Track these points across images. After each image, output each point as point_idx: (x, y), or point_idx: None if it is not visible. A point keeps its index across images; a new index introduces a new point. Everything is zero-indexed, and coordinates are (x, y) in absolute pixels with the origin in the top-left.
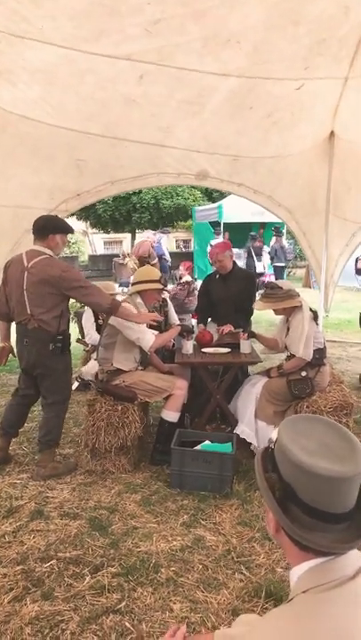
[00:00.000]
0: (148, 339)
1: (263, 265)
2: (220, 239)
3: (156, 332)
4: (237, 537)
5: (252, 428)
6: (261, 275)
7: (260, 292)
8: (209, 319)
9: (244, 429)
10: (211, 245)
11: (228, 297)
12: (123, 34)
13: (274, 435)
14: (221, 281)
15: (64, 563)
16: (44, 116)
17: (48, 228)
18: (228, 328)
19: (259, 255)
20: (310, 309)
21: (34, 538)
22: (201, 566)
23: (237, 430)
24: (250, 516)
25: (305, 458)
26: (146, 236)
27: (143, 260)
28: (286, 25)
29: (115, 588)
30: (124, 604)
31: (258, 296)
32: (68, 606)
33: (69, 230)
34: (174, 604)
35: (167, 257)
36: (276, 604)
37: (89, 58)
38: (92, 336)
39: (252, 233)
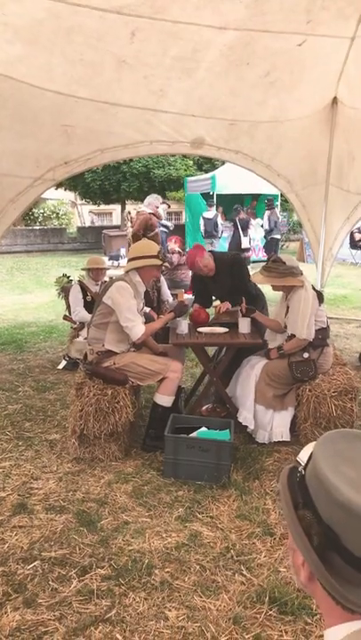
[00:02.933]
0: (138, 331)
1: (249, 239)
2: (212, 211)
3: (148, 310)
4: (236, 532)
5: (253, 412)
6: (247, 250)
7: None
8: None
9: (247, 416)
10: (204, 218)
11: (223, 289)
12: None
13: (304, 455)
14: (210, 278)
15: (49, 564)
16: (29, 76)
17: None
18: (225, 306)
19: (245, 229)
20: (314, 289)
21: (16, 535)
22: (198, 567)
23: (239, 417)
24: (249, 508)
25: (355, 496)
26: (147, 203)
27: (137, 237)
28: None
29: (104, 594)
30: (114, 611)
31: (251, 270)
32: (53, 615)
33: None
34: (169, 611)
35: (169, 225)
36: (280, 611)
37: (75, 11)
38: (80, 313)
39: (236, 206)
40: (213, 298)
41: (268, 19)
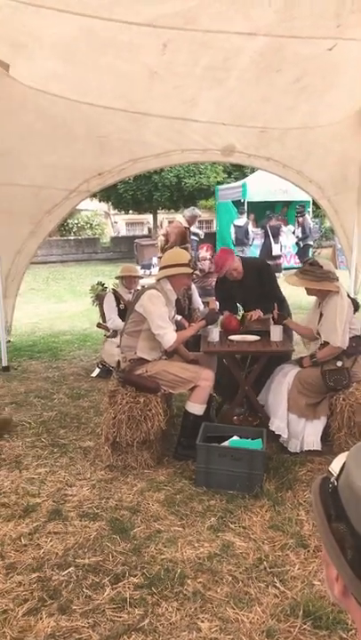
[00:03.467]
0: (169, 338)
1: (280, 246)
2: (243, 219)
3: (180, 318)
4: (269, 543)
5: (286, 421)
6: (278, 257)
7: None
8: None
9: (279, 424)
10: (235, 225)
11: (249, 295)
12: None
13: (336, 465)
14: (236, 283)
15: (83, 571)
16: (64, 91)
17: None
18: (256, 314)
19: (276, 236)
20: (350, 297)
21: (51, 541)
22: (231, 578)
23: (272, 426)
24: (282, 519)
25: None
26: (188, 216)
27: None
28: None
29: (137, 602)
30: (147, 621)
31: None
32: (87, 622)
33: None
34: (202, 622)
35: (200, 233)
36: (315, 625)
37: (109, 26)
38: (115, 321)
39: (268, 212)
40: (238, 305)
41: (298, 24)
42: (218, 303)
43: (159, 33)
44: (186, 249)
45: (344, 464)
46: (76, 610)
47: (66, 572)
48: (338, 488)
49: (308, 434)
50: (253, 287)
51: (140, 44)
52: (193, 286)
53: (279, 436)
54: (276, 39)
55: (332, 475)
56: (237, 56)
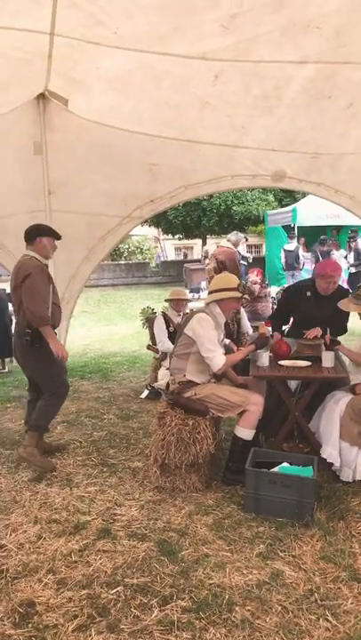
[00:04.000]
0: (218, 361)
1: None
2: (293, 243)
3: (228, 342)
4: (320, 574)
5: (338, 449)
6: None
7: None
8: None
9: (331, 452)
10: (285, 250)
11: (322, 318)
12: (198, 31)
13: None
14: (315, 300)
15: (131, 590)
16: (119, 121)
17: (33, 232)
18: (315, 332)
19: None
20: None
21: (100, 559)
22: (280, 607)
23: (323, 454)
24: (334, 550)
25: None
26: (234, 240)
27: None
28: None
29: (185, 626)
30: None
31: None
32: None
33: (55, 234)
34: None
35: (248, 257)
36: None
37: (163, 60)
38: (165, 343)
39: (323, 237)
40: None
41: (349, 50)
42: (274, 313)
43: (210, 65)
44: (235, 271)
45: None
46: (124, 629)
47: (115, 590)
48: None
49: None
50: (329, 309)
51: (192, 76)
52: (242, 310)
53: (331, 464)
54: (327, 66)
55: None
56: (288, 85)
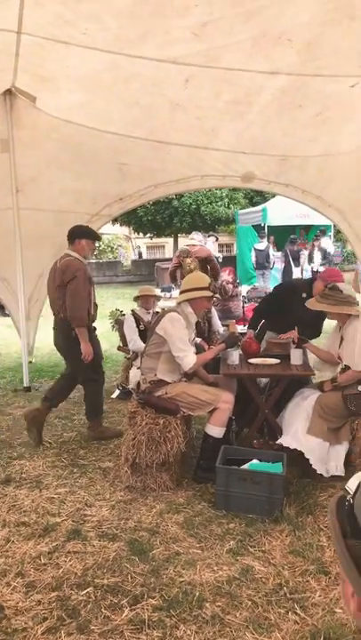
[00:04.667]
0: (189, 360)
1: (301, 270)
2: (264, 243)
3: (199, 341)
4: (289, 569)
5: (298, 440)
6: None
7: None
8: (267, 332)
9: (291, 442)
10: (255, 249)
11: (309, 319)
12: (168, 36)
13: (352, 483)
14: (303, 300)
15: (101, 591)
16: (88, 120)
17: (75, 234)
18: (291, 334)
19: (296, 260)
20: None
21: (70, 561)
22: (250, 602)
23: (282, 441)
24: (302, 544)
25: None
26: (197, 240)
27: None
28: (342, 20)
29: (155, 624)
30: None
31: None
32: None
33: (94, 236)
34: None
35: (219, 257)
36: None
37: (134, 62)
38: (136, 342)
39: (293, 236)
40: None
41: (322, 63)
42: (254, 315)
43: (181, 69)
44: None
45: (360, 483)
46: (94, 630)
47: (85, 591)
48: (354, 506)
49: (332, 459)
50: (313, 312)
51: (163, 79)
52: (213, 309)
53: (304, 460)
54: (298, 78)
55: (349, 493)
56: (259, 93)
